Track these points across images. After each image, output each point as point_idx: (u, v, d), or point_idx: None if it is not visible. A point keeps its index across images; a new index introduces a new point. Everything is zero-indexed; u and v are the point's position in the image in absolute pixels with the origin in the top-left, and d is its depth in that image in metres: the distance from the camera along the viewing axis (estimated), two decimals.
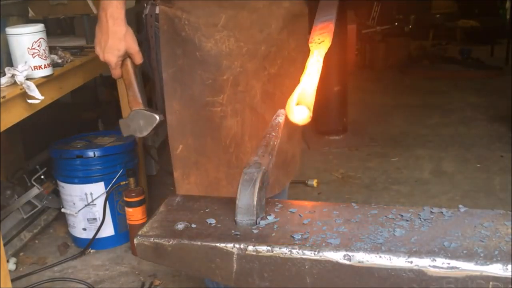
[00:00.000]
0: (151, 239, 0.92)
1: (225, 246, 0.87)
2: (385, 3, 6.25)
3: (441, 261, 0.79)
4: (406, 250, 0.82)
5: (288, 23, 1.41)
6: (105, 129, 3.30)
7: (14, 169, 2.86)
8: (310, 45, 1.11)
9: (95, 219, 2.47)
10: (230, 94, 1.35)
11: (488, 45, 6.36)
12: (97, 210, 2.46)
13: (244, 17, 1.33)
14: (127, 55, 1.34)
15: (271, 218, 0.95)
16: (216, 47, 1.32)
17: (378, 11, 6.15)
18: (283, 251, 0.85)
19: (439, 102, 4.70)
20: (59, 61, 1.99)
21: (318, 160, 3.52)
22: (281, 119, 1.04)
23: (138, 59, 1.35)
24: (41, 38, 1.74)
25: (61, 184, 2.48)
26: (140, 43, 1.37)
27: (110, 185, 2.43)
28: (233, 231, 0.91)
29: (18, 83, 1.67)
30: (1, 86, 1.66)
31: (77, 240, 2.57)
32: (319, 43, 1.10)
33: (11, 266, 2.37)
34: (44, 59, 1.77)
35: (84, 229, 2.50)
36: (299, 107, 1.02)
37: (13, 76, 1.67)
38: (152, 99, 1.53)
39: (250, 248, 0.86)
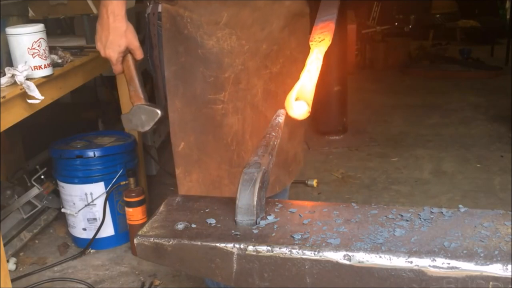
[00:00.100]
0: (151, 239, 0.92)
1: (225, 246, 0.87)
2: (385, 3, 6.25)
3: (441, 261, 0.79)
4: (406, 250, 0.82)
5: (289, 22, 1.41)
6: (105, 129, 3.30)
7: (14, 169, 2.86)
8: (310, 43, 1.11)
9: (95, 219, 2.47)
10: (232, 92, 1.36)
11: (488, 45, 6.36)
12: (97, 210, 2.46)
13: (246, 15, 1.33)
14: (128, 51, 1.35)
15: (271, 218, 0.95)
16: (218, 45, 1.33)
17: (378, 11, 6.15)
18: (283, 251, 0.85)
19: (439, 102, 4.70)
20: (59, 61, 1.98)
21: (318, 160, 3.52)
22: (281, 119, 1.04)
23: (139, 54, 1.37)
24: (41, 38, 1.74)
25: (61, 184, 2.48)
26: (141, 42, 1.38)
27: (110, 185, 2.43)
28: (233, 231, 0.91)
29: (18, 83, 1.67)
30: (1, 86, 1.66)
31: (77, 240, 2.57)
32: (319, 42, 1.11)
33: (11, 266, 2.37)
34: (44, 59, 1.77)
35: (84, 229, 2.50)
36: (298, 102, 1.02)
37: (13, 76, 1.67)
38: (155, 97, 1.53)
39: (250, 248, 0.86)
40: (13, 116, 1.72)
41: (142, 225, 0.97)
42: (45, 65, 1.78)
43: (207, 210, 1.00)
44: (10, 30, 1.72)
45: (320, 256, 0.83)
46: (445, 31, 6.98)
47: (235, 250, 0.87)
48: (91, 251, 2.53)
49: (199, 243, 0.89)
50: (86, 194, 2.44)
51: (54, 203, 2.63)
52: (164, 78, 1.40)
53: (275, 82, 1.41)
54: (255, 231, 0.91)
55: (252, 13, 1.34)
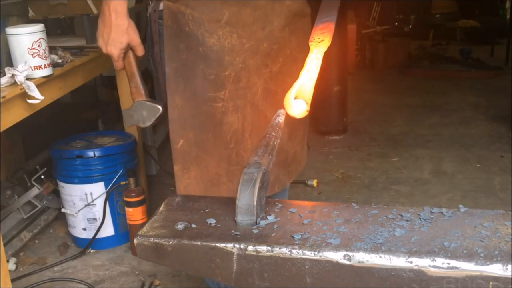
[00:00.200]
0: (151, 239, 0.92)
1: (225, 246, 0.87)
2: (385, 3, 6.25)
3: (441, 261, 0.79)
4: (406, 250, 0.82)
5: (290, 21, 1.41)
6: (105, 129, 3.30)
7: (14, 169, 2.86)
8: (310, 44, 1.12)
9: (95, 219, 2.47)
10: (232, 90, 1.36)
11: (488, 45, 6.36)
12: (97, 210, 2.46)
13: (247, 13, 1.34)
14: (129, 48, 1.36)
15: (271, 218, 0.95)
16: (219, 43, 1.33)
17: (378, 11, 6.15)
18: (283, 251, 0.85)
19: (439, 102, 4.70)
20: (59, 61, 1.98)
21: (318, 160, 3.52)
22: (281, 119, 1.04)
23: (140, 51, 1.38)
24: (41, 38, 1.74)
25: (61, 184, 2.48)
26: (142, 40, 1.39)
27: (110, 185, 2.43)
28: (233, 231, 0.91)
29: (18, 83, 1.67)
30: (1, 86, 1.66)
31: (77, 240, 2.57)
32: (319, 42, 1.11)
33: (11, 266, 2.37)
34: (44, 59, 1.77)
35: (84, 229, 2.50)
36: (297, 100, 1.03)
37: (13, 76, 1.67)
38: (155, 96, 1.54)
39: (250, 248, 0.86)
40: (13, 116, 1.72)
41: (142, 225, 0.97)
42: (45, 65, 1.78)
43: (207, 210, 1.00)
44: (10, 30, 1.72)
45: (320, 256, 0.83)
46: (445, 31, 6.98)
47: (235, 250, 0.87)
48: (91, 251, 2.53)
49: (199, 243, 0.89)
50: (86, 194, 2.44)
51: (54, 203, 2.63)
52: (164, 75, 1.40)
53: (275, 81, 1.41)
54: (255, 231, 0.91)
55: (253, 12, 1.34)
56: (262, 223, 0.93)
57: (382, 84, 5.40)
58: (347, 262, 0.82)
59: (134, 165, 2.56)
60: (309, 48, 1.13)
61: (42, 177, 2.53)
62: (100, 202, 2.45)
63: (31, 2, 2.40)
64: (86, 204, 2.45)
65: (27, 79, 1.70)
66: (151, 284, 2.24)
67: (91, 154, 2.42)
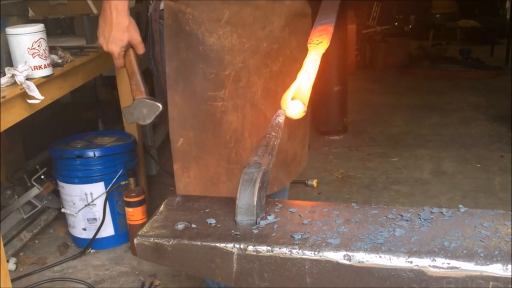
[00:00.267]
0: (151, 239, 0.92)
1: (225, 246, 0.87)
2: (385, 3, 6.25)
3: (441, 261, 0.79)
4: (406, 250, 0.82)
5: (290, 21, 1.41)
6: (105, 129, 3.30)
7: (14, 169, 2.86)
8: (308, 45, 1.12)
9: (95, 219, 2.47)
10: (232, 89, 1.37)
11: (488, 45, 6.36)
12: (97, 210, 2.46)
13: (247, 13, 1.34)
14: (129, 46, 1.37)
15: (271, 218, 0.95)
16: (219, 42, 1.34)
17: (378, 11, 6.15)
18: (283, 251, 0.85)
19: (439, 102, 4.70)
20: (59, 61, 1.98)
21: (318, 160, 3.52)
22: (281, 119, 1.04)
23: (141, 49, 1.39)
24: (41, 38, 1.74)
25: (61, 184, 2.48)
26: (143, 40, 1.39)
27: (110, 185, 2.43)
28: (233, 231, 0.91)
29: (18, 83, 1.67)
30: (1, 86, 1.66)
31: (77, 240, 2.57)
32: (317, 44, 1.11)
33: (11, 266, 2.37)
34: (44, 59, 1.77)
35: (84, 229, 2.50)
36: (294, 101, 1.03)
37: (13, 76, 1.67)
38: (155, 95, 1.54)
39: (250, 248, 0.86)
40: (13, 116, 1.72)
41: (142, 225, 0.97)
42: (45, 65, 1.78)
43: (207, 210, 1.00)
44: (10, 30, 1.72)
45: (320, 256, 0.83)
46: (445, 31, 6.98)
47: (235, 250, 0.87)
48: (91, 251, 2.53)
49: (199, 243, 0.89)
50: (86, 194, 2.44)
51: (54, 203, 2.63)
52: (165, 74, 1.41)
53: (275, 81, 1.42)
54: (255, 231, 0.91)
55: (253, 11, 1.35)
56: (262, 223, 0.93)
57: (382, 84, 5.40)
58: (347, 262, 0.82)
59: (134, 165, 2.56)
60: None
61: (42, 177, 2.53)
62: (100, 202, 2.45)
63: (31, 2, 2.40)
64: (86, 204, 2.45)
65: (27, 79, 1.70)
66: (151, 284, 2.24)
67: (91, 154, 2.42)
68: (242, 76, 1.37)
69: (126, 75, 1.43)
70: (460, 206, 0.96)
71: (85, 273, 2.36)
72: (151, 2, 1.43)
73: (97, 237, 2.47)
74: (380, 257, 0.81)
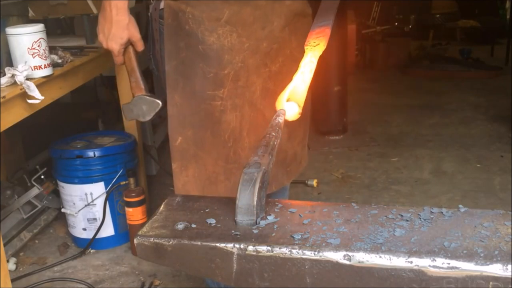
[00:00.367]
0: (151, 239, 0.92)
1: (225, 246, 0.87)
2: (385, 3, 6.25)
3: (441, 261, 0.79)
4: (406, 250, 0.82)
5: (290, 21, 1.42)
6: (105, 129, 3.30)
7: (14, 169, 2.86)
8: (305, 47, 1.12)
9: (95, 219, 2.47)
10: (231, 88, 1.37)
11: (488, 45, 6.36)
12: (97, 210, 2.46)
13: (247, 13, 1.34)
14: (129, 43, 1.37)
15: (271, 218, 0.95)
16: (219, 42, 1.34)
17: (378, 11, 6.15)
18: (283, 251, 0.85)
19: (439, 102, 4.70)
20: (59, 61, 1.98)
21: (318, 160, 3.52)
22: (281, 119, 1.04)
23: (140, 46, 1.39)
24: (41, 38, 1.74)
25: (61, 184, 2.48)
26: (143, 39, 1.39)
27: (110, 185, 2.43)
28: (233, 231, 0.91)
29: (18, 83, 1.67)
30: (1, 86, 1.66)
31: (77, 240, 2.57)
32: (314, 46, 1.12)
33: (11, 266, 2.37)
34: (44, 59, 1.77)
35: (84, 229, 2.50)
36: (289, 103, 1.03)
37: (13, 76, 1.67)
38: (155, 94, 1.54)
39: (250, 248, 0.86)
40: (13, 116, 1.72)
41: (142, 225, 0.97)
42: (45, 65, 1.78)
43: (207, 210, 1.00)
44: (10, 30, 1.72)
45: (320, 256, 0.83)
46: (445, 31, 6.98)
47: (235, 250, 0.87)
48: (91, 251, 2.53)
49: (199, 243, 0.89)
50: (86, 194, 2.44)
51: (54, 203, 2.63)
52: (165, 73, 1.41)
53: (274, 81, 1.42)
54: (255, 231, 0.91)
55: (253, 11, 1.35)
56: (262, 223, 0.93)
57: (382, 84, 5.40)
58: (347, 262, 0.82)
59: (134, 165, 2.56)
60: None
61: (42, 177, 2.53)
62: (100, 202, 2.45)
63: (31, 2, 2.40)
64: (86, 204, 2.45)
65: (27, 79, 1.70)
66: (151, 284, 2.24)
67: (91, 154, 2.42)
68: (241, 75, 1.37)
69: (126, 75, 1.44)
70: (460, 206, 0.96)
71: (85, 273, 2.36)
72: (151, 1, 1.43)
73: (97, 237, 2.47)
74: (380, 257, 0.81)
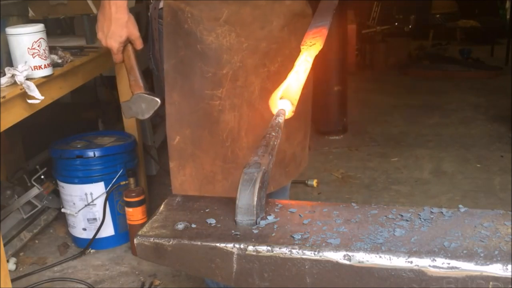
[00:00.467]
0: (151, 239, 0.92)
1: (225, 246, 0.87)
2: (385, 3, 6.25)
3: (441, 261, 0.79)
4: (406, 250, 0.82)
5: (289, 21, 1.41)
6: (105, 129, 3.30)
7: (14, 169, 2.86)
8: (301, 47, 1.12)
9: (95, 219, 2.47)
10: (229, 88, 1.37)
11: (488, 45, 6.36)
12: (97, 210, 2.46)
13: (246, 13, 1.34)
14: (128, 41, 1.38)
15: (271, 218, 0.95)
16: (217, 41, 1.34)
17: (378, 11, 6.15)
18: (283, 251, 0.85)
19: (439, 102, 4.70)
20: (59, 61, 1.98)
21: (318, 160, 3.52)
22: (281, 119, 1.04)
23: (139, 44, 1.39)
24: (41, 38, 1.74)
25: (61, 184, 2.48)
26: (143, 39, 1.39)
27: (110, 185, 2.43)
28: (233, 231, 0.91)
29: (18, 83, 1.67)
30: (1, 86, 1.66)
31: (77, 240, 2.57)
32: (310, 46, 1.12)
33: (11, 266, 2.37)
34: (44, 59, 1.77)
35: (84, 229, 2.50)
36: (282, 100, 1.03)
37: (13, 76, 1.67)
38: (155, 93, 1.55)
39: (250, 248, 0.86)
40: (13, 116, 1.72)
41: (142, 225, 0.97)
42: (45, 65, 1.78)
43: (207, 210, 1.00)
44: (10, 30, 1.72)
45: (320, 256, 0.83)
46: (445, 31, 6.98)
47: (235, 250, 0.87)
48: (91, 251, 2.53)
49: (199, 243, 0.89)
50: (86, 194, 2.44)
51: (54, 203, 2.63)
52: (163, 71, 1.41)
53: (273, 81, 1.42)
54: (255, 231, 0.91)
55: (253, 11, 1.35)
56: (262, 223, 0.93)
57: (382, 84, 5.40)
58: (347, 262, 0.82)
59: (134, 165, 2.56)
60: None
61: (42, 177, 2.53)
62: (100, 202, 2.45)
63: (31, 2, 2.40)
64: (86, 204, 2.45)
65: (27, 79, 1.70)
66: (151, 284, 2.24)
67: (91, 154, 2.42)
68: (240, 75, 1.37)
69: (126, 75, 1.44)
70: (460, 206, 0.96)
71: (85, 273, 2.36)
72: (151, 1, 1.44)
73: (97, 237, 2.47)
74: (380, 257, 0.81)
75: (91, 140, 2.58)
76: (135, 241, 0.93)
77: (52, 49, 1.95)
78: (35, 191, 2.53)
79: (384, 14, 6.26)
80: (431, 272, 0.79)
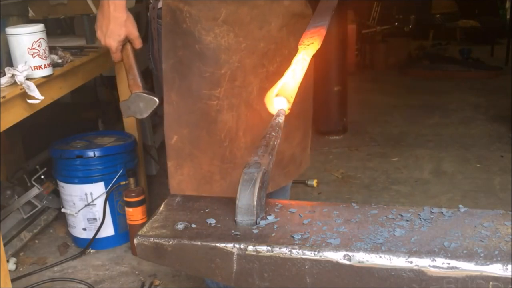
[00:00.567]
0: (151, 239, 0.92)
1: (225, 246, 0.87)
2: (385, 3, 6.25)
3: (441, 261, 0.79)
4: (406, 250, 0.82)
5: (288, 21, 1.41)
6: (105, 129, 3.30)
7: (14, 169, 2.86)
8: (299, 46, 1.13)
9: (95, 219, 2.47)
10: (227, 88, 1.37)
11: (488, 45, 6.36)
12: (97, 210, 2.46)
13: (245, 13, 1.34)
14: (127, 40, 1.38)
15: (271, 218, 0.95)
16: (215, 41, 1.34)
17: (378, 11, 6.15)
18: (283, 251, 0.85)
19: (439, 102, 4.70)
20: (59, 61, 1.98)
21: (318, 160, 3.52)
22: (281, 119, 1.04)
23: (138, 43, 1.39)
24: (41, 38, 1.74)
25: (61, 184, 2.48)
26: (143, 39, 1.39)
27: (110, 185, 2.43)
28: (233, 231, 0.91)
29: (18, 83, 1.67)
30: (1, 86, 1.66)
31: (77, 240, 2.57)
32: (308, 45, 1.12)
33: (11, 266, 2.37)
34: (44, 59, 1.77)
35: (84, 229, 2.50)
36: (278, 98, 1.03)
37: (13, 76, 1.67)
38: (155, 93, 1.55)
39: (250, 248, 0.86)
40: (13, 116, 1.72)
41: (142, 225, 0.97)
42: (45, 65, 1.78)
43: (207, 210, 1.00)
44: (10, 30, 1.72)
45: (320, 256, 0.83)
46: (445, 31, 6.98)
47: (235, 250, 0.87)
48: (91, 251, 2.53)
49: (199, 243, 0.89)
50: (86, 194, 2.44)
51: (54, 203, 2.63)
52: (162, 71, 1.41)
53: (272, 81, 1.41)
54: (255, 231, 0.91)
55: (251, 11, 1.35)
56: (262, 223, 0.93)
57: (382, 84, 5.40)
58: (347, 262, 0.82)
59: (134, 165, 2.56)
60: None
61: (42, 177, 2.53)
62: (100, 202, 2.44)
63: (31, 2, 2.40)
64: (86, 204, 2.45)
65: (27, 79, 1.70)
66: (151, 284, 2.24)
67: (91, 154, 2.42)
68: (238, 75, 1.37)
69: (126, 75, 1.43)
70: (460, 206, 0.96)
71: (85, 273, 2.36)
72: (151, 1, 1.44)
73: (97, 237, 2.47)
74: (380, 257, 0.81)
75: (91, 140, 2.58)
76: (135, 241, 0.93)
77: (52, 49, 1.95)
78: (35, 191, 2.53)
79: (384, 14, 6.26)
80: (431, 272, 0.79)
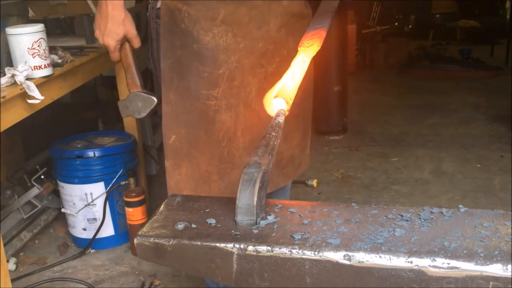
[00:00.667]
0: (151, 239, 0.92)
1: (225, 246, 0.87)
2: (385, 3, 6.25)
3: (441, 261, 0.79)
4: (406, 250, 0.82)
5: (287, 21, 1.41)
6: (105, 129, 3.30)
7: (14, 169, 2.86)
8: (299, 48, 1.12)
9: (95, 219, 2.47)
10: (225, 88, 1.37)
11: (488, 45, 6.36)
12: (97, 210, 2.46)
13: (243, 13, 1.34)
14: (125, 39, 1.38)
15: (271, 218, 0.95)
16: (214, 41, 1.34)
17: (378, 11, 6.15)
18: (283, 251, 0.85)
19: (439, 102, 4.70)
20: (59, 61, 1.98)
21: (318, 160, 3.52)
22: (281, 119, 1.04)
23: (136, 43, 1.39)
24: (41, 38, 1.74)
25: (61, 184, 2.48)
26: (143, 40, 1.39)
27: (110, 185, 2.43)
28: (233, 231, 0.91)
29: (18, 83, 1.67)
30: (1, 86, 1.66)
31: (77, 240, 2.57)
32: (308, 47, 1.12)
33: (11, 266, 2.37)
34: (44, 59, 1.77)
35: (84, 229, 2.50)
36: (277, 99, 1.03)
37: (13, 76, 1.67)
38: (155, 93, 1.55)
39: (250, 248, 0.86)
40: (13, 116, 1.72)
41: (142, 225, 0.97)
42: (45, 65, 1.78)
43: (207, 210, 1.00)
44: (10, 30, 1.72)
45: (320, 256, 0.83)
46: (445, 31, 6.98)
47: (235, 250, 0.87)
48: (91, 251, 2.53)
49: (199, 243, 0.89)
50: (86, 194, 2.44)
51: (54, 203, 2.63)
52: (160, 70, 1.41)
53: (271, 82, 1.41)
54: (255, 231, 0.91)
55: (249, 11, 1.35)
56: (262, 223, 0.93)
57: (382, 84, 5.40)
58: (347, 262, 0.82)
59: (134, 165, 2.56)
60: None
61: (42, 177, 2.53)
62: (100, 202, 2.44)
63: (31, 2, 2.40)
64: (86, 204, 2.45)
65: (27, 79, 1.70)
66: (151, 284, 2.24)
67: (91, 154, 2.42)
68: (236, 75, 1.37)
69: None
70: (460, 206, 0.96)
71: (85, 273, 2.36)
72: (150, 1, 1.44)
73: (97, 237, 2.47)
74: (380, 257, 0.81)
75: (91, 140, 2.58)
76: (135, 241, 0.93)
77: (52, 49, 1.95)
78: (35, 191, 2.53)
79: (384, 14, 6.26)
80: (431, 272, 0.79)
